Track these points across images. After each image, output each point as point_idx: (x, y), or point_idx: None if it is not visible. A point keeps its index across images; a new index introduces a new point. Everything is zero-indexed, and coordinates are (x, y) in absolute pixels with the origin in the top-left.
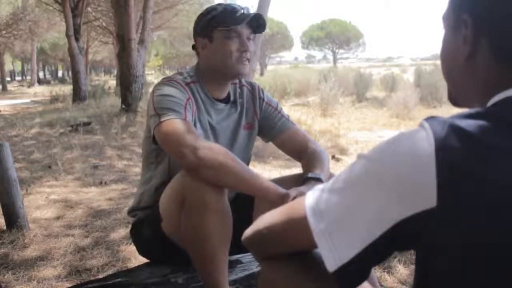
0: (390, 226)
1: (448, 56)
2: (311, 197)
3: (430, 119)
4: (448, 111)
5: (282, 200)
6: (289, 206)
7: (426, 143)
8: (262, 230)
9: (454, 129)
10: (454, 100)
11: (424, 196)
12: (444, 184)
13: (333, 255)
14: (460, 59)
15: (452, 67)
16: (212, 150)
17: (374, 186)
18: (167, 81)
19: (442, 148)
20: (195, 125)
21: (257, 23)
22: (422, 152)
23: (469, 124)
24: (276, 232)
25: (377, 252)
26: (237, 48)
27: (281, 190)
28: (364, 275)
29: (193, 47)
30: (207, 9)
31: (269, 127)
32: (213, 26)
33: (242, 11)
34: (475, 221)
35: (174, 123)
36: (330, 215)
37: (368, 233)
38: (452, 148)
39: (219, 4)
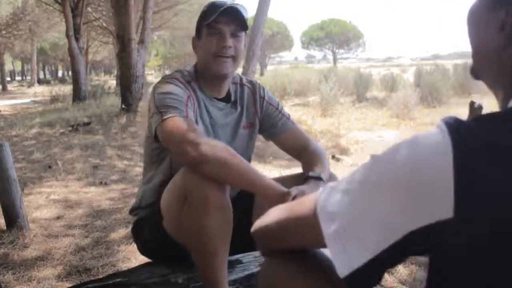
0: (405, 232)
1: (480, 49)
2: (323, 197)
3: (447, 120)
4: (448, 111)
5: (282, 198)
6: (301, 203)
7: (443, 146)
8: (272, 224)
9: (472, 132)
10: (476, 77)
11: (441, 200)
12: (461, 188)
13: (344, 260)
14: (494, 51)
15: (484, 59)
16: (214, 146)
17: (387, 189)
18: (167, 79)
19: (460, 151)
20: (196, 122)
21: (235, 17)
22: (438, 155)
23: (488, 127)
24: (286, 228)
25: (390, 258)
26: (216, 44)
27: (282, 188)
28: (377, 281)
29: None
30: None
31: (269, 125)
32: (200, 24)
33: (222, 5)
34: (493, 227)
35: (176, 121)
36: (342, 218)
37: (381, 239)
38: (470, 151)
39: (211, 1)
